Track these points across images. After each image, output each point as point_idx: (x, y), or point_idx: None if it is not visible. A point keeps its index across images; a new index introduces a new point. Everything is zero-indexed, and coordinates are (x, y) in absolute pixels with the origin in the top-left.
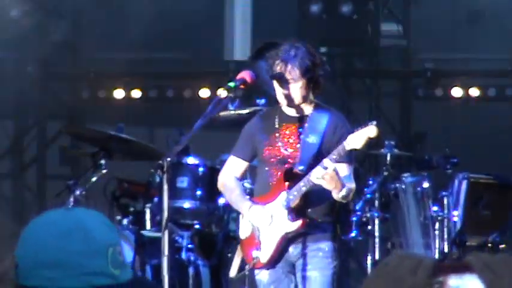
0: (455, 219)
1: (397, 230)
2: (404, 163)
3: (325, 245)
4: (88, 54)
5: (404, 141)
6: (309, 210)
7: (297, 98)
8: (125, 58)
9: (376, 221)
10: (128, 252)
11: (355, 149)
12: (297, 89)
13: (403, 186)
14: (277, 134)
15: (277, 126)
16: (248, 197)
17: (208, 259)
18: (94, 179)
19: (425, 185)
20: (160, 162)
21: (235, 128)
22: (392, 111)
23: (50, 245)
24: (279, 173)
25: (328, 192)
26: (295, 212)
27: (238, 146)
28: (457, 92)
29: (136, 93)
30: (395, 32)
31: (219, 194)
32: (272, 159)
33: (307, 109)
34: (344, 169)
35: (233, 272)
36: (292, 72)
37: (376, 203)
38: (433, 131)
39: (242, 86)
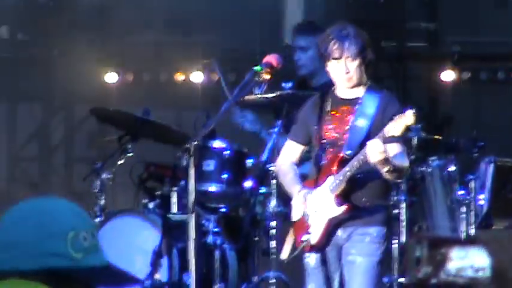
0: (482, 202)
1: (424, 214)
2: (431, 146)
3: (373, 230)
4: (117, 36)
5: (431, 124)
6: (356, 194)
7: (356, 76)
8: (153, 40)
9: (403, 205)
10: (155, 236)
11: (395, 136)
12: (354, 67)
13: (430, 170)
14: (328, 117)
15: (329, 109)
16: (297, 183)
17: (234, 243)
18: (120, 162)
19: (452, 168)
20: (187, 145)
21: (261, 111)
22: (419, 94)
23: (7, 227)
24: (329, 157)
25: (377, 176)
26: (341, 197)
27: (294, 130)
28: (483, 75)
29: (163, 76)
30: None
31: (245, 177)
32: (323, 142)
33: (359, 91)
34: (394, 148)
35: (285, 254)
36: (351, 50)
37: (403, 186)
38: (460, 115)
39: (268, 70)
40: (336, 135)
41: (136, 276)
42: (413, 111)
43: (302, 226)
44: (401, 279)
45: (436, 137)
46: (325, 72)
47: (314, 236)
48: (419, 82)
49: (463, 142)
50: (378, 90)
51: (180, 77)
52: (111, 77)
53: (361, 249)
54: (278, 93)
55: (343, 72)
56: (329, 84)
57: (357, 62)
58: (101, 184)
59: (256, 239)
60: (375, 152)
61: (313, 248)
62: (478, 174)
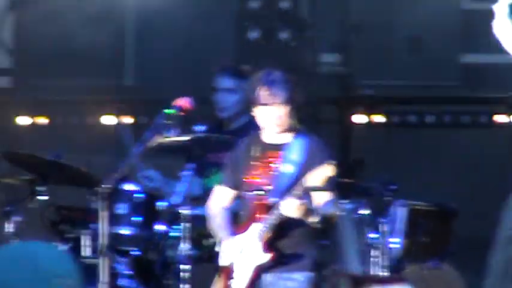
0: (394, 246)
1: (335, 257)
2: (343, 190)
3: (300, 275)
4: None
5: (343, 168)
6: (282, 241)
7: (285, 122)
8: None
9: None
10: None
11: (314, 187)
12: (283, 112)
13: (341, 213)
14: (255, 163)
15: (256, 154)
16: (225, 229)
17: (146, 286)
18: (32, 205)
19: (364, 211)
20: (99, 188)
21: (173, 155)
22: (331, 138)
23: (5, 268)
24: (256, 203)
25: (303, 223)
26: (267, 245)
27: (224, 175)
28: (395, 118)
29: (75, 120)
30: (334, 61)
31: (156, 220)
32: (250, 188)
33: (287, 136)
34: (324, 196)
35: None
36: (279, 96)
37: None
38: (372, 158)
39: (180, 113)
40: (263, 181)
41: None
42: (333, 162)
43: (229, 271)
44: None
45: (348, 180)
46: (243, 115)
47: (240, 282)
48: (331, 125)
49: (375, 185)
50: (307, 135)
51: (92, 120)
52: (23, 120)
53: None
54: (190, 136)
55: (273, 118)
56: (244, 128)
57: (285, 108)
58: (13, 227)
59: (168, 282)
60: (290, 209)
61: None
62: (390, 217)
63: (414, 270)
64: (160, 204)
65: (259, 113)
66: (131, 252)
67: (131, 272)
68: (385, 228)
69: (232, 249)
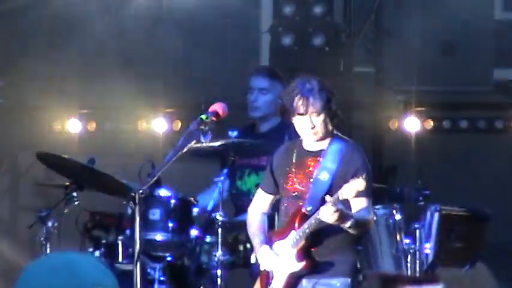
0: (428, 251)
1: (369, 262)
2: (376, 195)
3: (336, 281)
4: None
5: (376, 173)
6: (316, 250)
7: (321, 130)
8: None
9: None
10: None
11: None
12: (320, 121)
13: (375, 219)
14: (294, 169)
15: (294, 161)
16: (260, 236)
17: None
18: (66, 210)
19: (397, 217)
20: (132, 194)
21: (207, 160)
22: (364, 143)
23: (39, 278)
24: (293, 210)
25: (339, 229)
26: (301, 253)
27: (264, 179)
28: (429, 123)
29: (109, 126)
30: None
31: (190, 225)
32: (289, 195)
33: (324, 143)
34: (361, 203)
35: None
36: (315, 105)
37: None
38: (404, 163)
39: (214, 119)
40: (301, 188)
41: None
42: (364, 177)
43: (266, 277)
44: None
45: (381, 185)
46: (275, 117)
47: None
48: (365, 130)
49: (408, 191)
50: (343, 141)
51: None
52: (58, 125)
53: None
54: (224, 141)
55: (309, 127)
56: (276, 131)
57: (322, 117)
58: (47, 232)
59: (202, 287)
60: (327, 216)
61: None
62: (423, 223)
63: (447, 271)
64: (195, 210)
65: (297, 122)
66: (165, 258)
67: (165, 278)
68: (419, 233)
69: (270, 255)
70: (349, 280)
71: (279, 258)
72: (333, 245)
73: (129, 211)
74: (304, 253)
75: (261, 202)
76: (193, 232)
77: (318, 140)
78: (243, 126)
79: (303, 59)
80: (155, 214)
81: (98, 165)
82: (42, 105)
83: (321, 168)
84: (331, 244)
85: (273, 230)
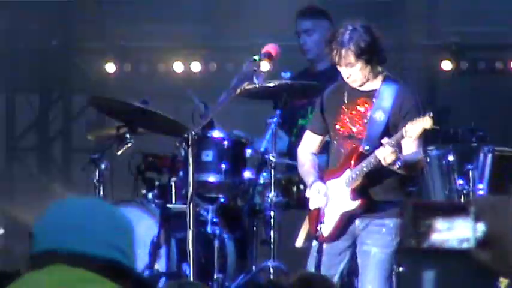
0: (481, 192)
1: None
2: (430, 136)
3: (390, 221)
4: (116, 27)
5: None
6: (371, 189)
7: (358, 79)
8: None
9: None
10: (154, 226)
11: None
12: (355, 71)
13: (428, 159)
14: (345, 109)
15: (346, 100)
16: (314, 174)
17: (233, 233)
18: (119, 152)
19: (451, 158)
20: (186, 135)
21: (260, 101)
22: (417, 85)
23: (79, 214)
24: (346, 149)
25: (392, 171)
26: (356, 192)
27: (312, 120)
28: (482, 65)
29: (161, 67)
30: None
31: (244, 167)
32: (340, 134)
33: (376, 83)
34: (413, 145)
35: (299, 242)
36: (347, 57)
37: None
38: (458, 105)
39: (267, 60)
40: (353, 128)
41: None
42: (431, 115)
43: (317, 216)
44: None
45: (435, 127)
46: (326, 56)
47: (327, 227)
48: (418, 72)
49: (462, 132)
50: (395, 81)
51: (178, 67)
52: (110, 67)
53: (376, 240)
54: (277, 82)
55: (345, 77)
56: (331, 69)
57: (357, 66)
58: (99, 174)
59: (255, 229)
60: (386, 156)
61: (326, 238)
62: (476, 164)
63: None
64: (248, 151)
65: (340, 70)
66: (218, 200)
67: (218, 220)
68: (472, 174)
69: (322, 194)
70: (400, 221)
71: (332, 196)
72: (387, 186)
73: (182, 153)
74: (359, 192)
75: (310, 143)
76: (247, 174)
77: (360, 85)
78: (299, 68)
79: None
80: (208, 155)
81: (150, 107)
82: (95, 47)
83: (375, 107)
84: (385, 184)
85: (325, 170)
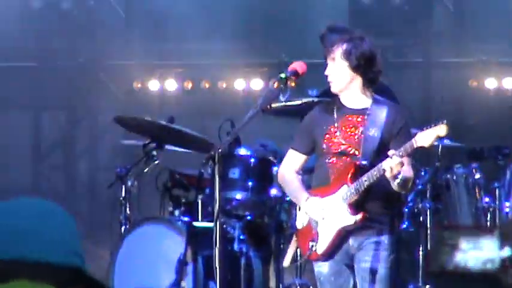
0: (507, 210)
1: (449, 222)
2: (456, 154)
3: (384, 238)
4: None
5: (456, 131)
6: (369, 204)
7: (336, 79)
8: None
9: (428, 212)
10: (180, 244)
11: (423, 147)
12: (333, 69)
13: (455, 177)
14: (336, 125)
15: (335, 117)
16: (304, 190)
17: (260, 250)
18: (146, 170)
19: (477, 176)
20: (212, 153)
21: (286, 119)
22: (444, 102)
23: (35, 219)
24: (339, 166)
25: (387, 186)
26: (355, 206)
27: (297, 139)
28: (508, 83)
29: (187, 85)
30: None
31: (270, 184)
32: (331, 152)
33: (366, 102)
34: (404, 160)
35: (287, 261)
36: (336, 51)
37: (428, 194)
38: (484, 122)
39: (293, 77)
40: (345, 144)
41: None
42: (446, 122)
43: (309, 233)
44: (429, 286)
45: (461, 144)
46: None
47: (322, 244)
48: (444, 89)
49: (488, 149)
50: (384, 101)
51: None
52: (138, 84)
53: (374, 257)
54: (304, 100)
55: (326, 72)
56: None
57: (340, 64)
58: (126, 192)
59: (282, 246)
60: (392, 167)
61: (321, 256)
62: (503, 181)
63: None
64: (275, 169)
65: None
66: (245, 217)
67: (245, 237)
68: (498, 192)
69: (321, 206)
70: (393, 237)
71: (327, 213)
72: (382, 201)
73: (209, 170)
74: (359, 206)
75: (294, 162)
76: (273, 191)
77: (338, 91)
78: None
79: (383, 18)
80: (235, 173)
81: (176, 125)
82: (121, 64)
83: (369, 124)
84: (380, 200)
85: (313, 189)
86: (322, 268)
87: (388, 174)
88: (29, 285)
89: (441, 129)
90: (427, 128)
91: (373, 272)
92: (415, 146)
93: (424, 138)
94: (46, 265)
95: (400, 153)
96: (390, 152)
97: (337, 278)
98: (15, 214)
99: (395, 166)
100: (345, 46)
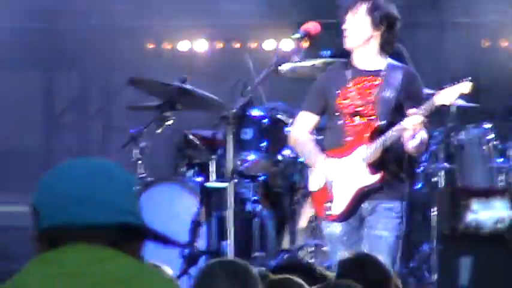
0: None
1: (463, 182)
2: (469, 114)
3: (398, 204)
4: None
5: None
6: (387, 164)
7: (354, 35)
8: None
9: (442, 173)
10: (194, 204)
11: (444, 105)
12: (357, 22)
13: (468, 138)
14: (349, 86)
15: (349, 78)
16: (319, 151)
17: (273, 210)
18: (159, 130)
19: (491, 136)
20: (225, 113)
21: (299, 80)
22: (457, 62)
23: (78, 182)
24: (355, 127)
25: (401, 149)
26: (375, 166)
27: (308, 100)
28: None
29: (200, 45)
30: None
31: (283, 145)
32: (345, 113)
33: (381, 64)
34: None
35: (303, 222)
36: (361, 6)
37: (442, 154)
38: (497, 82)
39: (306, 38)
40: (358, 104)
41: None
42: (470, 79)
43: (325, 195)
44: (440, 247)
45: (475, 104)
46: None
47: (339, 205)
48: (459, 50)
49: (501, 110)
50: (398, 65)
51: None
52: (151, 46)
53: (386, 224)
54: (317, 60)
55: (345, 26)
56: None
57: (362, 19)
58: (140, 152)
59: (295, 206)
60: (415, 123)
61: (337, 217)
62: None
63: None
64: (288, 129)
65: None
66: (258, 178)
67: (258, 197)
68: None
69: (338, 167)
70: (405, 204)
71: (345, 174)
72: (398, 164)
73: (222, 131)
74: (378, 166)
75: (307, 123)
76: (286, 152)
77: (350, 47)
78: (336, 48)
79: None
80: (247, 134)
81: (189, 86)
82: (133, 26)
83: (384, 85)
84: (397, 162)
85: (327, 150)
86: (334, 228)
87: (407, 134)
88: (85, 247)
89: (465, 86)
90: (449, 86)
91: (381, 239)
92: (436, 104)
93: (446, 95)
94: (96, 227)
95: (421, 112)
96: (411, 111)
97: (349, 237)
98: (63, 180)
99: (417, 124)
100: (370, 3)
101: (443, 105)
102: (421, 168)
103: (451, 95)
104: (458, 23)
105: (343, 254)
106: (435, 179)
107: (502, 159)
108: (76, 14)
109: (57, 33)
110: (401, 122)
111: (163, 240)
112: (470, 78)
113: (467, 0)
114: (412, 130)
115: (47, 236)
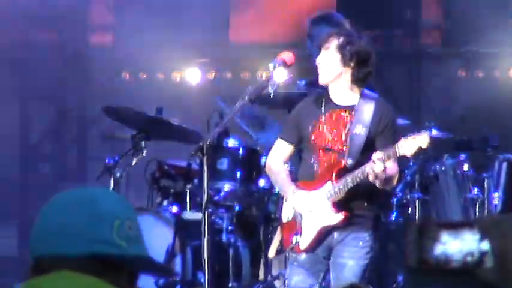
0: (496, 201)
1: (437, 213)
2: (444, 145)
3: (367, 235)
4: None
5: (445, 122)
6: (352, 202)
7: (326, 70)
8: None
9: (416, 203)
10: (169, 234)
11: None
12: (328, 58)
13: (443, 168)
14: (322, 120)
15: (323, 111)
16: (291, 183)
17: (248, 241)
18: (134, 161)
19: (466, 167)
20: (200, 144)
21: (275, 109)
22: (434, 92)
23: (57, 215)
24: (325, 162)
25: (370, 184)
26: (338, 205)
27: (285, 129)
28: (498, 73)
29: (175, 76)
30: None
31: (259, 175)
32: (317, 146)
33: (354, 98)
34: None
35: (271, 252)
36: (331, 41)
37: (416, 185)
38: (473, 113)
39: (282, 67)
40: (331, 140)
41: (172, 269)
42: (429, 134)
43: (293, 227)
44: (409, 279)
45: (450, 135)
46: None
47: (305, 239)
48: (434, 80)
49: (477, 140)
50: (372, 97)
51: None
52: (123, 76)
53: (352, 253)
54: (292, 90)
55: (318, 61)
56: None
57: (333, 55)
58: (114, 183)
59: (270, 236)
60: (376, 171)
61: (303, 250)
62: (492, 172)
63: (491, 218)
64: (264, 160)
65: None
66: (233, 208)
67: (233, 227)
68: (487, 183)
69: (308, 200)
70: (375, 234)
71: (313, 207)
72: (365, 199)
73: (197, 161)
74: (341, 205)
75: (282, 152)
76: (261, 182)
77: (325, 82)
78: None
79: (370, 7)
80: (223, 164)
81: (165, 116)
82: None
83: (356, 122)
84: (363, 198)
85: (299, 181)
86: (299, 255)
87: (370, 178)
88: (70, 275)
89: (424, 140)
90: (410, 136)
91: (346, 267)
92: (398, 154)
93: (407, 147)
94: (66, 257)
95: (383, 158)
96: (374, 156)
97: (312, 265)
98: (47, 212)
99: (378, 171)
100: (341, 39)
101: (405, 156)
102: (397, 198)
103: (411, 147)
104: (434, 53)
105: (299, 278)
106: (410, 209)
107: (477, 190)
108: (52, 43)
109: (32, 62)
110: (365, 168)
111: (157, 270)
112: (429, 132)
113: (443, 30)
114: (373, 176)
115: (35, 265)
